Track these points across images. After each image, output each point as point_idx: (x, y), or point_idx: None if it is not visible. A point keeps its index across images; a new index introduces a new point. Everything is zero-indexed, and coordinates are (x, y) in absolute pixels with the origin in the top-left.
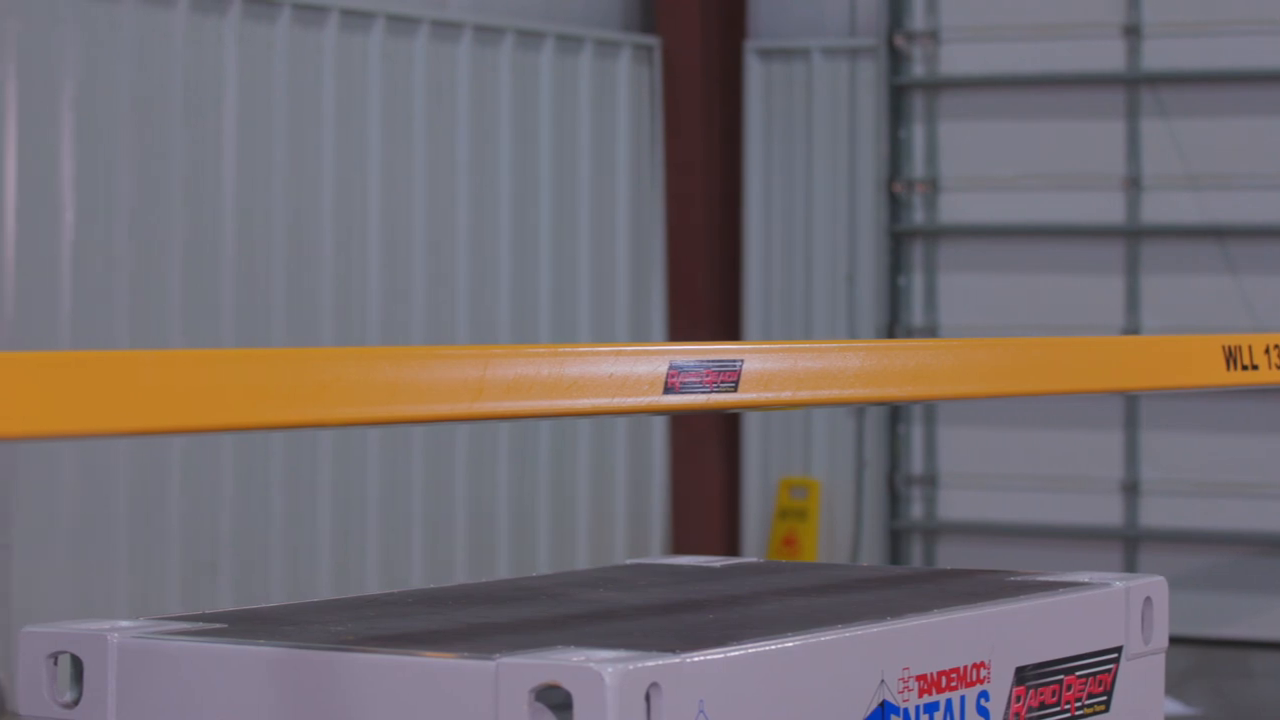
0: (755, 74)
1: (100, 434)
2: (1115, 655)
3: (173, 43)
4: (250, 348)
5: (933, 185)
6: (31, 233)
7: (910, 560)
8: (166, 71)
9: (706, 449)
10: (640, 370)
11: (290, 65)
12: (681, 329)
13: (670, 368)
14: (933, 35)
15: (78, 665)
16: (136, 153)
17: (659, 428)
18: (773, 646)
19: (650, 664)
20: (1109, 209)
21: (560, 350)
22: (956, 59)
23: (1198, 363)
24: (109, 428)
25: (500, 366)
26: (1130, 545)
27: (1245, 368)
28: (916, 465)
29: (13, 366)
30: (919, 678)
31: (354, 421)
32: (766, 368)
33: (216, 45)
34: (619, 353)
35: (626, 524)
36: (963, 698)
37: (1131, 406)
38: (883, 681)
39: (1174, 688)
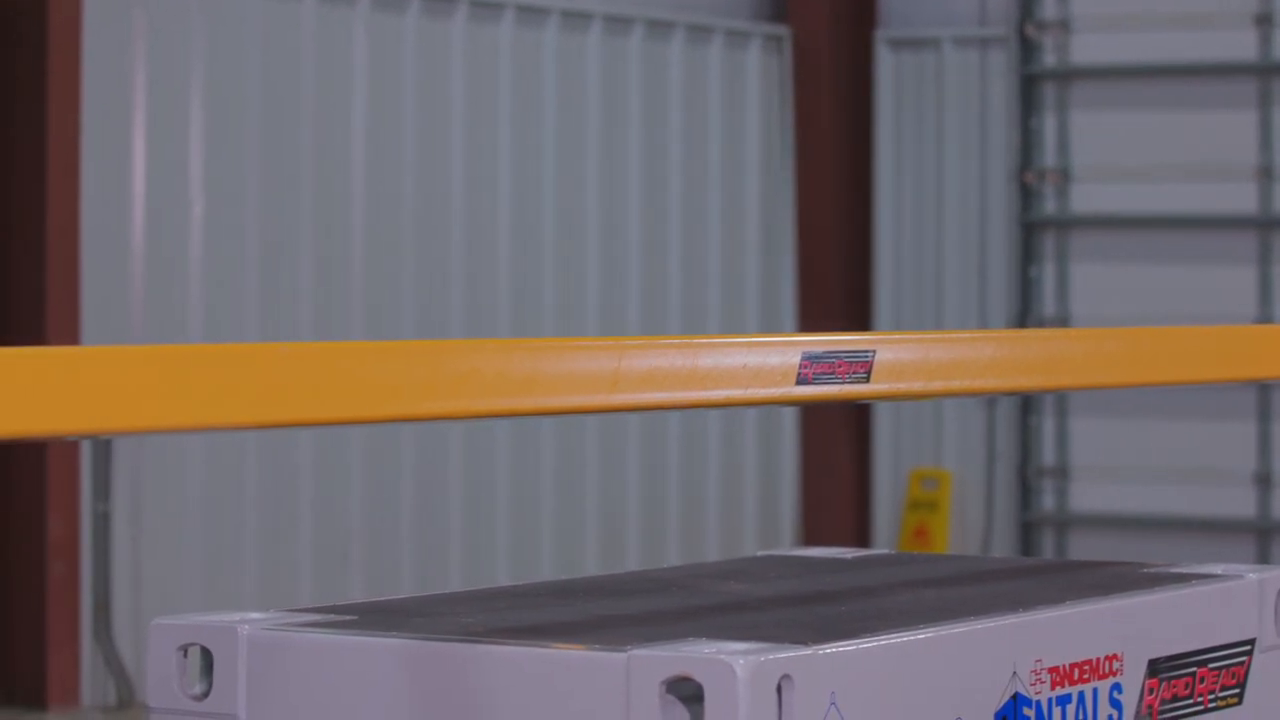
0: (885, 64)
1: (233, 428)
2: (1248, 648)
3: (301, 33)
4: (381, 340)
5: (1064, 175)
6: (161, 224)
7: (1041, 552)
8: (295, 62)
9: (837, 440)
10: (772, 361)
11: (419, 56)
12: (812, 320)
13: (802, 358)
14: (1064, 25)
15: (208, 657)
16: (265, 144)
17: (790, 418)
18: (904, 638)
19: (782, 656)
20: (1241, 199)
21: (693, 341)
22: (1087, 48)
23: None
24: (241, 421)
25: (635, 358)
26: (1263, 537)
27: None
28: (1048, 457)
29: (142, 359)
30: (1051, 670)
31: (490, 413)
32: (898, 358)
33: (345, 36)
34: (751, 344)
35: (757, 515)
36: (1095, 690)
37: (1264, 397)
38: (1015, 673)
39: None
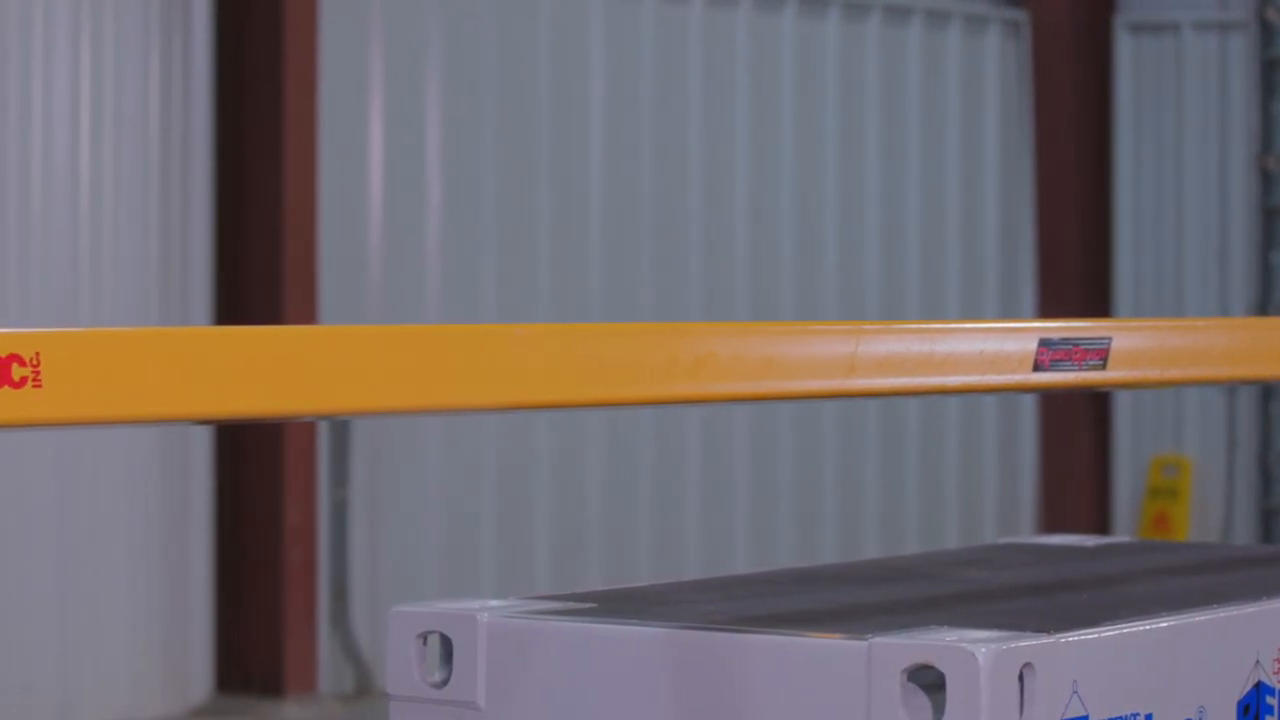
0: (1125, 48)
1: (471, 409)
2: None
3: (536, 22)
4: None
5: None
6: (398, 210)
7: None
8: (532, 47)
9: (1077, 427)
10: (1010, 347)
11: (656, 42)
12: (1051, 306)
13: (1040, 345)
14: None
15: (447, 645)
16: (502, 132)
17: (1028, 405)
18: (1147, 627)
19: (1024, 644)
20: None
21: (931, 326)
22: None
23: None
24: (479, 403)
25: (872, 342)
26: None
27: None
28: None
29: (381, 340)
30: None
31: (729, 398)
32: (1135, 345)
33: (581, 24)
34: (988, 330)
35: (996, 503)
36: None
37: None
38: (1258, 662)
39: None
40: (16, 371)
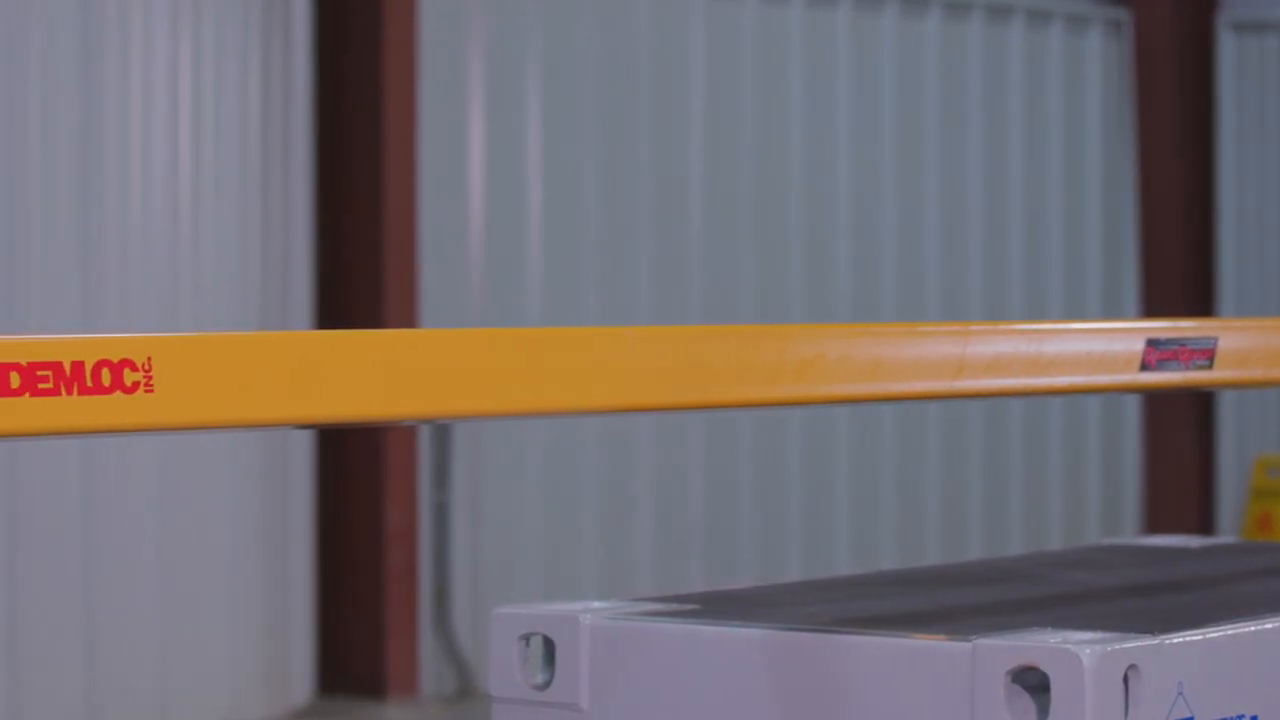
0: (1227, 48)
1: (577, 412)
2: None
3: (636, 23)
4: (719, 324)
5: None
6: (499, 212)
7: None
8: (630, 52)
9: (1180, 427)
10: (1117, 348)
11: (756, 43)
12: (1154, 307)
13: (1147, 344)
14: None
15: (550, 647)
16: (602, 134)
17: (1132, 406)
18: (1252, 628)
19: (1129, 645)
20: None
21: (1038, 327)
22: None
23: None
24: (584, 405)
25: (980, 344)
26: None
27: None
28: None
29: (484, 342)
30: None
31: (837, 399)
32: (1242, 345)
33: (681, 25)
34: (1096, 330)
35: (1099, 503)
36: None
37: None
38: None
39: None
40: (129, 376)
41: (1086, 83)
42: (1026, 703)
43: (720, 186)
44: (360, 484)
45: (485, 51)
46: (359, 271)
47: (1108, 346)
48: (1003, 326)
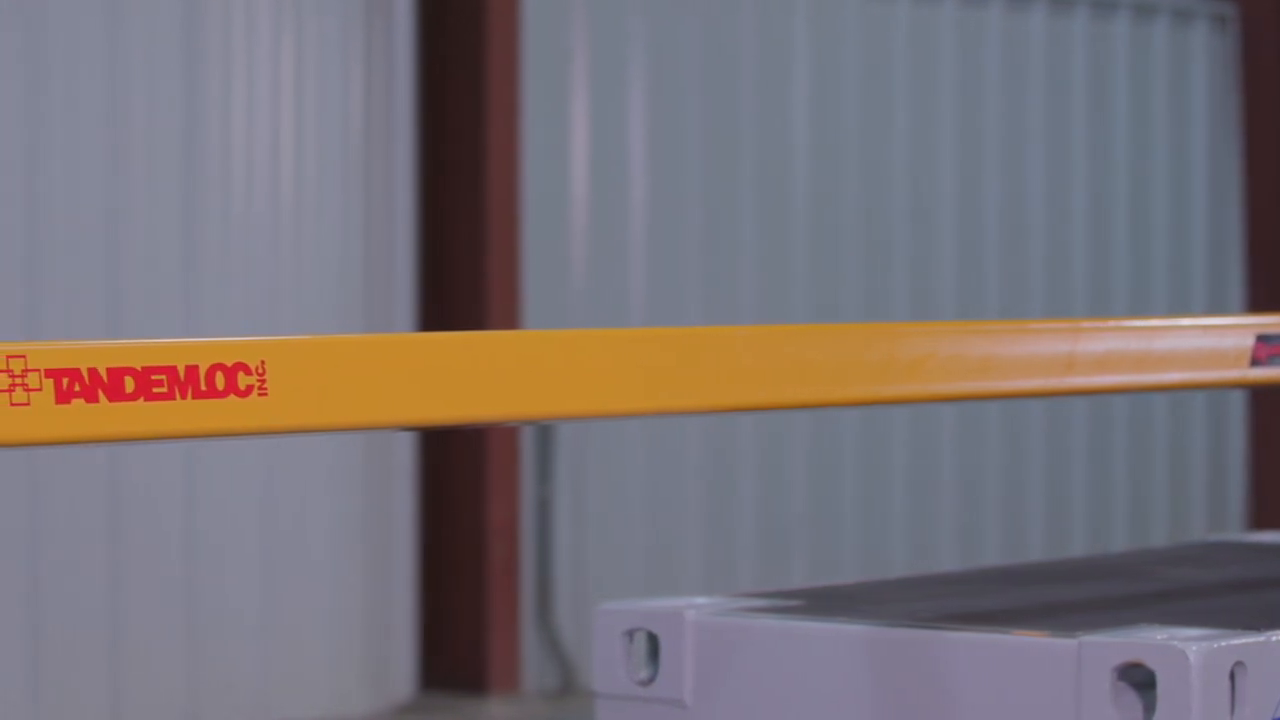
0: None
1: (683, 412)
2: None
3: (740, 19)
4: (825, 323)
5: None
6: (603, 214)
7: None
8: (735, 49)
9: None
10: (1226, 344)
11: (861, 36)
12: (1260, 303)
13: (1256, 340)
14: None
15: (654, 642)
16: (706, 131)
17: (1237, 402)
18: None
19: (1235, 643)
20: None
21: (1147, 324)
22: None
23: None
24: (691, 405)
25: (1089, 341)
26: None
27: None
28: None
29: (602, 344)
30: None
31: (947, 397)
32: None
33: (785, 21)
34: (1205, 326)
35: (1205, 500)
36: None
37: None
38: None
39: None
40: (243, 380)
41: (1192, 77)
42: (1133, 700)
43: (824, 184)
44: (462, 479)
45: (589, 46)
46: (461, 268)
47: (1217, 342)
48: (1111, 323)
